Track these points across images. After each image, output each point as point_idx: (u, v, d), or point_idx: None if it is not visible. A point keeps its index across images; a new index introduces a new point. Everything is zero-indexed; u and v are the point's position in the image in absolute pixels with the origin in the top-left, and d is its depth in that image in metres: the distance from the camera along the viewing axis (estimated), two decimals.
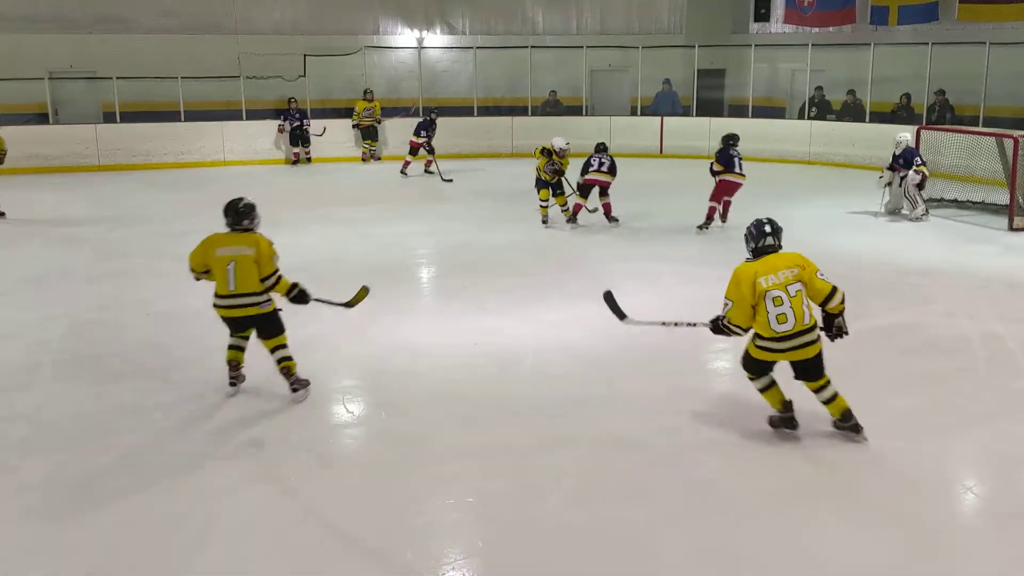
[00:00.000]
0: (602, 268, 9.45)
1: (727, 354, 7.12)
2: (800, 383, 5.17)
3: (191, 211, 12.59)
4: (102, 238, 11.00)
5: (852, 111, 17.35)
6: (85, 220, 12.15)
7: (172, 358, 6.76)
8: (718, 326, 5.12)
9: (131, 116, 17.04)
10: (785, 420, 5.23)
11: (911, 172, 11.58)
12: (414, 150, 15.80)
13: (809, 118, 17.71)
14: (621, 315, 5.70)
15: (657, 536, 4.29)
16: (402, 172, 15.94)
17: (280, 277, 5.81)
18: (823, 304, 5.02)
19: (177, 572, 4.07)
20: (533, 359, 6.76)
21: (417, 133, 15.83)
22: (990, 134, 12.34)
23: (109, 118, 17.20)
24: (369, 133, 17.65)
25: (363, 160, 17.65)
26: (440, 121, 16.57)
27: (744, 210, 10.99)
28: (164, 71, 16.91)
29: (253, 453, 5.22)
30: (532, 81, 18.89)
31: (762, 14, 20.25)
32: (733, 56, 19.73)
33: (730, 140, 11.52)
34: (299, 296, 5.93)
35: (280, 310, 5.92)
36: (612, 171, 11.23)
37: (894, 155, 11.84)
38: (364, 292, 6.36)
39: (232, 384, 6.03)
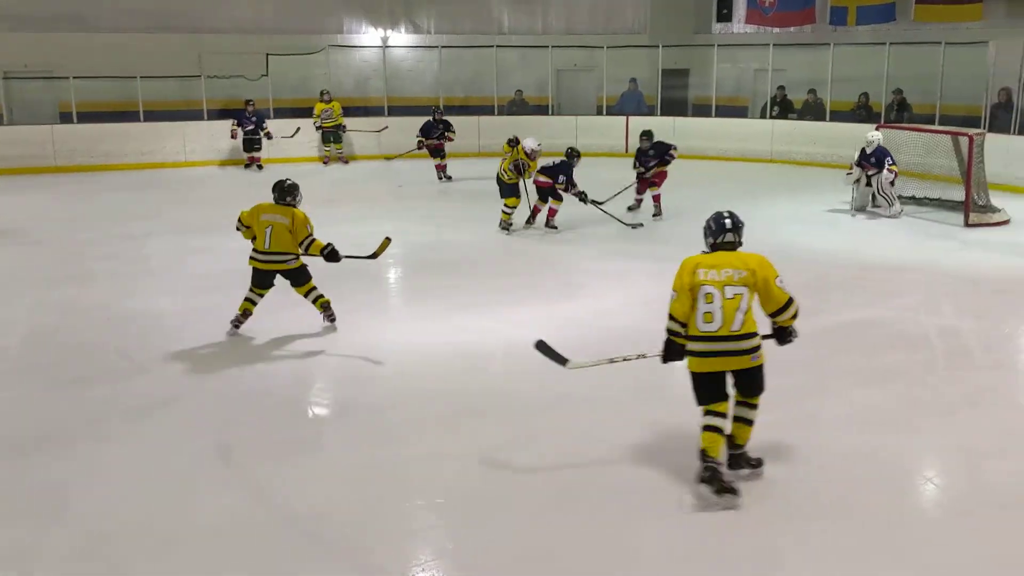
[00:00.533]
0: (572, 266, 9.49)
1: None
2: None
3: (152, 212, 12.48)
4: (62, 241, 10.84)
5: (813, 110, 17.56)
6: (44, 223, 11.96)
7: (135, 361, 6.68)
8: (667, 347, 4.76)
9: (89, 116, 16.78)
10: (709, 473, 4.57)
11: (885, 171, 11.68)
12: (435, 152, 15.37)
13: (771, 117, 17.89)
14: (561, 360, 5.24)
15: (630, 534, 4.31)
16: (444, 179, 15.33)
17: (313, 240, 6.96)
18: (773, 315, 4.64)
19: None
20: (504, 358, 6.76)
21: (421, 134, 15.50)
22: (946, 132, 12.54)
23: (66, 119, 16.94)
24: (331, 136, 17.15)
25: (324, 163, 17.18)
26: (405, 121, 16.44)
27: (711, 210, 11.09)
28: (123, 70, 16.66)
29: (222, 456, 5.17)
30: (498, 81, 18.90)
31: (724, 14, 20.44)
32: (697, 56, 19.87)
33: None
34: (331, 255, 7.04)
35: (306, 265, 7.07)
36: (549, 172, 10.91)
37: (864, 152, 11.90)
38: (387, 242, 7.40)
39: (233, 325, 7.09)
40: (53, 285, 8.83)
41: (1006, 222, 11.36)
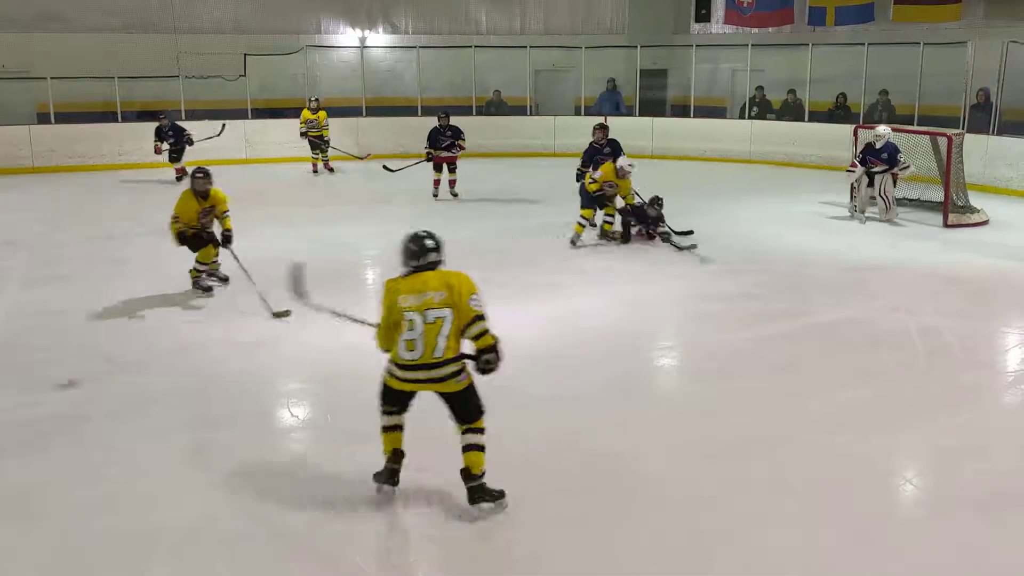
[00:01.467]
0: (552, 266, 9.42)
1: (673, 351, 7.21)
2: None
3: (129, 213, 12.35)
4: (39, 241, 10.71)
5: (792, 110, 17.62)
6: (20, 223, 11.81)
7: (112, 362, 6.59)
8: None
9: (67, 117, 16.63)
10: (387, 472, 4.60)
11: (911, 167, 11.45)
12: (438, 166, 13.37)
13: (750, 117, 17.94)
14: (301, 293, 5.27)
15: (606, 533, 4.29)
16: (452, 195, 13.55)
17: (227, 217, 8.29)
18: (463, 331, 4.41)
19: None
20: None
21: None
22: (925, 133, 12.58)
23: (44, 119, 16.78)
24: (315, 144, 15.95)
25: (314, 172, 16.15)
26: (383, 121, 16.13)
27: (691, 210, 11.11)
28: (102, 70, 16.52)
29: (196, 460, 5.10)
30: (476, 81, 18.86)
31: (703, 15, 20.48)
32: (675, 56, 19.92)
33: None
34: (227, 240, 8.24)
35: (211, 233, 8.24)
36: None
37: (871, 148, 11.52)
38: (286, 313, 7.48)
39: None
40: (29, 286, 8.73)
41: (985, 222, 11.42)
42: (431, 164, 13.36)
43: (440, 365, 4.37)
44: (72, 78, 16.45)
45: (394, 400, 4.56)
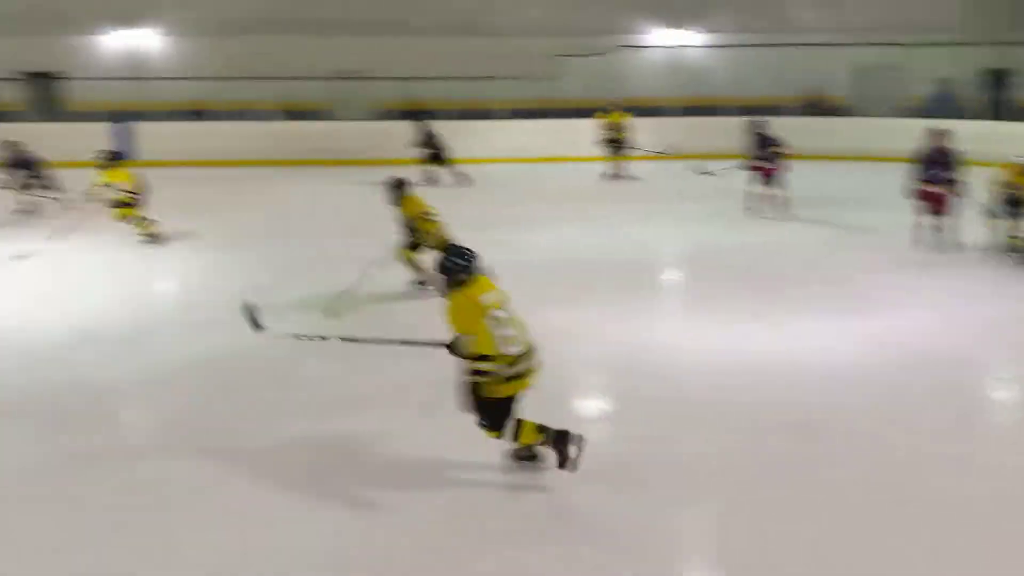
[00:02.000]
0: (866, 279, 8.83)
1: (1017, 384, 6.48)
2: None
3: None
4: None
5: None
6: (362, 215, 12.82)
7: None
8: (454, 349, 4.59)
9: (397, 114, 17.99)
10: (556, 438, 4.62)
11: None
12: (758, 176, 12.16)
13: None
14: (259, 327, 5.46)
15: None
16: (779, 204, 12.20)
17: (423, 223, 8.19)
18: None
19: None
20: (784, 373, 6.34)
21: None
22: None
23: (381, 116, 18.22)
24: (614, 145, 15.56)
25: (613, 174, 15.62)
26: (694, 121, 15.81)
27: None
28: (424, 71, 17.67)
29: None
30: (792, 80, 18.16)
31: None
32: (1019, 55, 18.05)
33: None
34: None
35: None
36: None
37: None
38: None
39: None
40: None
41: None
42: (751, 172, 12.18)
43: (534, 347, 4.62)
44: (410, 79, 17.71)
45: (507, 410, 4.59)
